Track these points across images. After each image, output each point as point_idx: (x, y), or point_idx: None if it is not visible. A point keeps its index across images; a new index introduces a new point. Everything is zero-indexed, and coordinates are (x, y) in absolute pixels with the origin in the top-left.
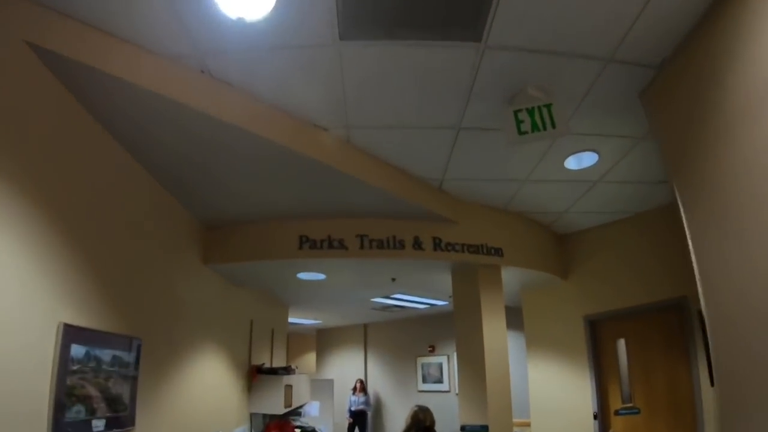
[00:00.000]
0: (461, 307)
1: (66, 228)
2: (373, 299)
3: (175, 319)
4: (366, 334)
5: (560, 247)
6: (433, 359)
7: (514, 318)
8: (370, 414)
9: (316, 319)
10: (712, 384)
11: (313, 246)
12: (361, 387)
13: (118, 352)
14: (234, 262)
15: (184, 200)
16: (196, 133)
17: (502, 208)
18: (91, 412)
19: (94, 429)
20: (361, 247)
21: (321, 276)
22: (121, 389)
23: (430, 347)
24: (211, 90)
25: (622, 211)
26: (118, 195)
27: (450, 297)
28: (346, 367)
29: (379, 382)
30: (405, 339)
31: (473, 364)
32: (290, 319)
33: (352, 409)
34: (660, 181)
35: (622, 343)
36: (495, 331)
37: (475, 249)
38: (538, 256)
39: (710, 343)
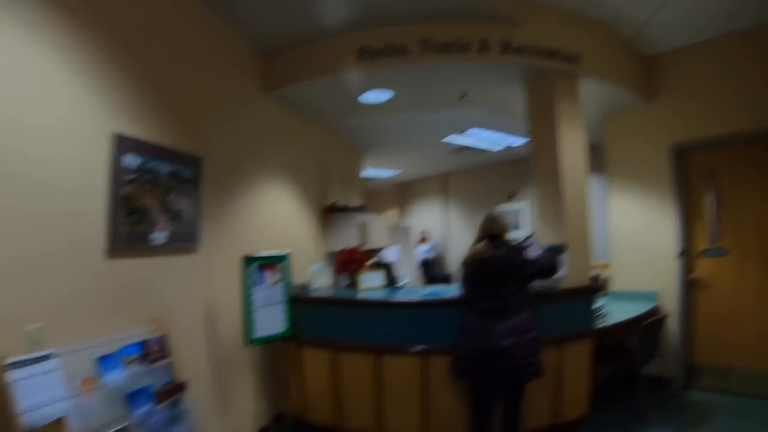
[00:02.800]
0: (536, 122)
1: (117, 46)
2: (446, 139)
3: (239, 145)
4: (446, 184)
5: (645, 68)
6: (512, 206)
7: (596, 159)
8: (433, 260)
9: (394, 169)
10: None
11: (373, 56)
12: (424, 238)
13: (176, 167)
14: (291, 85)
15: (239, 26)
16: None
17: (578, 12)
18: (150, 224)
19: (154, 240)
20: (423, 52)
21: (383, 95)
22: (183, 205)
23: (510, 193)
24: None
25: (724, 27)
26: (170, 18)
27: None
28: (428, 220)
29: (459, 232)
30: (484, 187)
31: (549, 181)
32: (369, 171)
33: (421, 258)
34: None
35: (713, 177)
36: (573, 145)
37: (549, 54)
38: (619, 69)
39: None
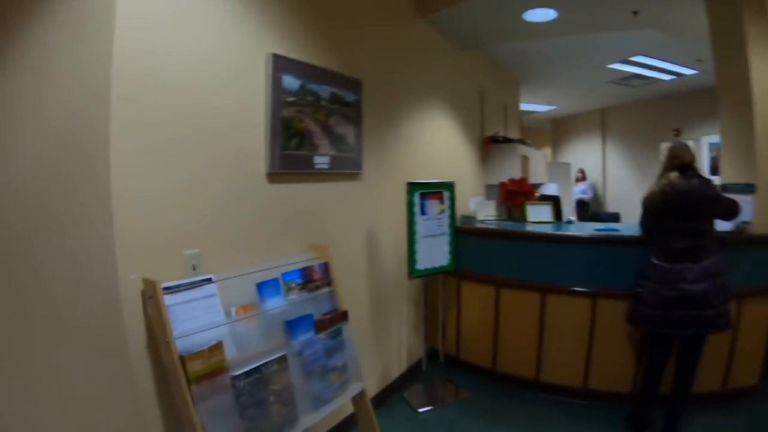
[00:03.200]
0: (721, 45)
1: None
2: (610, 65)
3: (396, 71)
4: (604, 120)
5: None
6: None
7: None
8: (589, 201)
9: (550, 104)
10: None
11: None
12: (582, 176)
13: (336, 90)
14: (449, 7)
15: None
16: None
17: None
18: (312, 148)
19: (317, 164)
20: None
21: (550, 14)
22: (345, 129)
23: (674, 130)
24: None
25: None
26: None
27: (698, 60)
28: (583, 157)
29: (617, 171)
30: (646, 123)
31: (737, 112)
32: (524, 106)
33: (577, 198)
34: None
35: None
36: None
37: None
38: None
39: None
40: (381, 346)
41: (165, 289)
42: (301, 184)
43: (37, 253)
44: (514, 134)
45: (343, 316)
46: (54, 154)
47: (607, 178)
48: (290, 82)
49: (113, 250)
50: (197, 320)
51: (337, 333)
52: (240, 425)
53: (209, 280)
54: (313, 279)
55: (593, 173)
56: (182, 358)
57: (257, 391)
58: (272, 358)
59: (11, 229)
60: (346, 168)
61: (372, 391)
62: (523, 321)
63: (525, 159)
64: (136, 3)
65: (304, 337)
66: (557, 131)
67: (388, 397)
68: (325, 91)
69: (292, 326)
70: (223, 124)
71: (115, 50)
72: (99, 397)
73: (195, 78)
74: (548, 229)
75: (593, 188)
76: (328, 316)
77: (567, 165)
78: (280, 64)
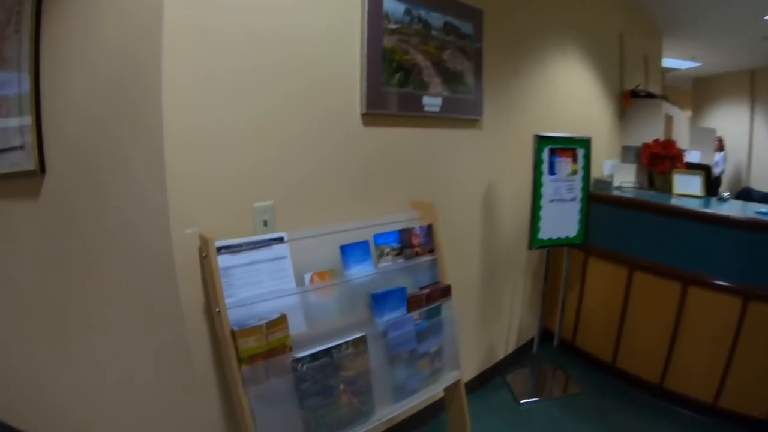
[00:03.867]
0: None
1: None
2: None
3: (524, 4)
4: (753, 84)
5: None
6: None
7: None
8: (720, 176)
9: (694, 59)
10: None
11: None
12: (719, 146)
13: (451, 19)
14: None
15: None
16: None
17: None
18: (421, 86)
19: (426, 106)
20: None
21: None
22: (461, 66)
23: None
24: None
25: None
26: None
27: None
28: (726, 125)
29: (766, 144)
30: None
31: None
32: (665, 61)
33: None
34: None
35: None
36: None
37: None
38: None
39: None
40: (489, 322)
41: (222, 248)
42: (405, 128)
43: (90, 205)
44: (656, 91)
45: (445, 292)
46: (100, 98)
47: (754, 152)
48: (392, 5)
49: (165, 199)
50: (261, 287)
51: (435, 312)
52: (298, 415)
53: (280, 239)
54: (412, 244)
55: (736, 145)
56: (233, 333)
57: (325, 377)
58: (349, 339)
59: (64, 184)
60: (462, 113)
61: (471, 372)
62: (655, 313)
63: (670, 119)
64: None
65: (393, 315)
66: (699, 93)
67: (489, 379)
68: (436, 19)
69: (379, 301)
70: (306, 53)
71: None
72: (156, 361)
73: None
74: (698, 206)
75: (726, 160)
76: (426, 291)
77: (712, 131)
78: None
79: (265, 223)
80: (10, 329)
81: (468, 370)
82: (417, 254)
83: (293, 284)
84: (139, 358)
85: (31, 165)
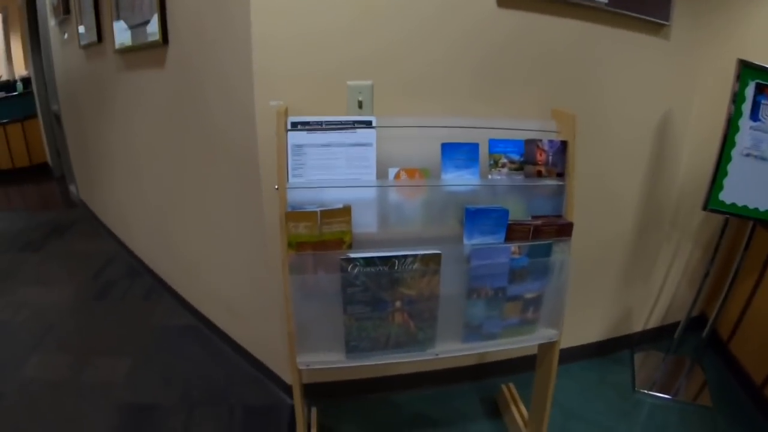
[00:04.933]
0: None
1: None
2: None
3: None
4: None
5: None
6: None
7: None
8: None
9: None
10: None
11: None
12: None
13: None
14: None
15: None
16: None
17: None
18: None
19: None
20: None
21: None
22: None
23: None
24: None
25: None
26: None
27: None
28: None
29: None
30: None
31: None
32: None
33: None
34: None
35: None
36: None
37: None
38: None
39: None
40: (632, 286)
41: (298, 123)
42: (556, 18)
43: (201, 73)
44: None
45: (563, 229)
46: None
47: None
48: None
49: (249, 70)
50: (335, 172)
51: (544, 251)
52: (340, 318)
53: (368, 123)
54: (537, 160)
55: None
56: (287, 214)
57: (378, 288)
58: (418, 252)
59: (183, 54)
60: (642, 11)
61: (595, 335)
62: None
63: None
64: None
65: (485, 239)
66: None
67: (615, 350)
68: None
69: (473, 218)
70: None
71: None
72: (241, 223)
73: None
74: None
75: None
76: (536, 222)
77: None
78: None
79: (360, 105)
80: (143, 178)
81: (590, 333)
82: (539, 174)
83: (373, 176)
84: (234, 207)
85: (156, 37)
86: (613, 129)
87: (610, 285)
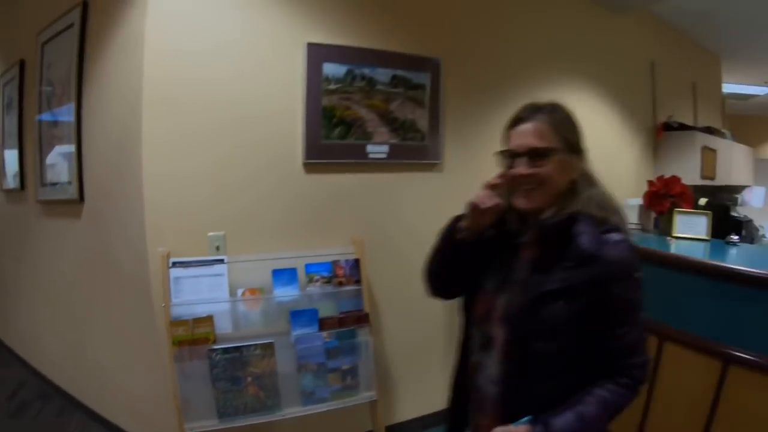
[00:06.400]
0: None
1: None
2: None
3: (507, 44)
4: None
5: None
6: None
7: None
8: None
9: (767, 85)
10: None
11: None
12: None
13: (401, 72)
14: None
15: None
16: None
17: None
18: (365, 136)
19: (370, 154)
20: None
21: None
22: (413, 114)
23: None
24: None
25: None
26: None
27: None
28: None
29: None
30: None
31: None
32: (729, 87)
33: None
34: None
35: None
36: None
37: None
38: None
39: None
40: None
41: (176, 263)
42: (347, 174)
43: (109, 224)
44: (710, 121)
45: (361, 318)
46: (111, 151)
47: None
48: (333, 69)
49: (143, 227)
50: (199, 294)
51: (350, 335)
52: (211, 392)
53: (221, 261)
54: (338, 274)
55: None
56: (170, 323)
57: (233, 368)
58: (258, 342)
59: (95, 207)
60: (415, 157)
61: (418, 412)
62: (686, 397)
63: (709, 152)
64: (165, 18)
65: (304, 331)
66: None
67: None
68: (383, 74)
69: (295, 317)
70: (254, 114)
71: (146, 59)
72: (140, 334)
73: (224, 74)
74: (700, 252)
75: None
76: (340, 316)
77: None
78: (317, 53)
79: (218, 248)
80: (59, 305)
81: (407, 409)
82: (341, 283)
83: (226, 295)
84: (131, 325)
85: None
86: (411, 243)
87: (430, 365)
